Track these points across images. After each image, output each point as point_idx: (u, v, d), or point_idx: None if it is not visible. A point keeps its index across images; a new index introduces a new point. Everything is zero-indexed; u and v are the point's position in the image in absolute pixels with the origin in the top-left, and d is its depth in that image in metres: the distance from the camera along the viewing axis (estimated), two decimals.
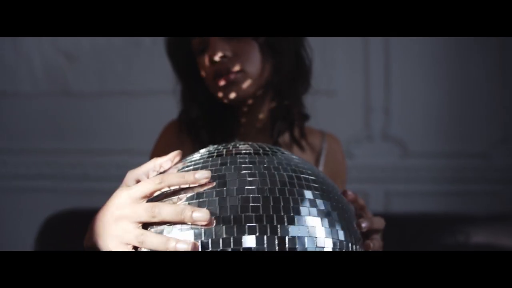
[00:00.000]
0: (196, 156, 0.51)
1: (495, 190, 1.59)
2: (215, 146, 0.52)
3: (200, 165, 0.48)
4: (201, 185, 0.45)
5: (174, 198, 0.46)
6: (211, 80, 0.72)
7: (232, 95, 0.71)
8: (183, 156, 0.52)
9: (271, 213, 0.43)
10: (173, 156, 0.50)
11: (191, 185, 0.45)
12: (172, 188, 0.46)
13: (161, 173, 0.50)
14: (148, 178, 0.50)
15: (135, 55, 1.60)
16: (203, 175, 0.44)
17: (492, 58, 1.59)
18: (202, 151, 0.52)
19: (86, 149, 1.61)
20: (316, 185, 0.47)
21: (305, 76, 0.78)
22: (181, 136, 0.78)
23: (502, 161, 1.59)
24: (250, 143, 0.52)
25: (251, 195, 0.44)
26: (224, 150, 0.50)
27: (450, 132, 1.59)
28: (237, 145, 0.51)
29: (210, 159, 0.49)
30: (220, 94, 0.72)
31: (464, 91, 1.59)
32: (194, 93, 0.78)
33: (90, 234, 0.49)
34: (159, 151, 0.77)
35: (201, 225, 0.43)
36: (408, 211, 1.31)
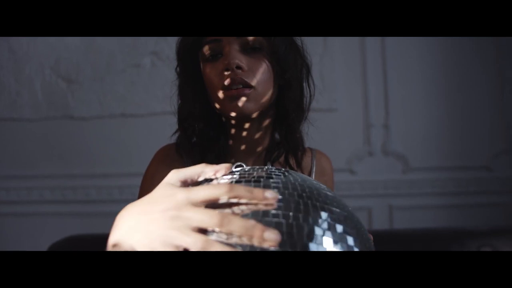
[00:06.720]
0: (226, 176, 0.50)
1: (498, 201, 1.59)
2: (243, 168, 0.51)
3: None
4: (266, 204, 0.44)
5: (236, 209, 0.44)
6: (219, 89, 0.71)
7: (239, 109, 0.70)
8: None
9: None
10: (225, 167, 0.49)
11: (258, 202, 0.44)
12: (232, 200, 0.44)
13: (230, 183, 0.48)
14: (191, 181, 0.49)
15: (135, 77, 1.62)
16: (272, 195, 0.43)
17: (492, 71, 1.60)
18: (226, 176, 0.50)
19: (88, 173, 1.61)
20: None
21: (307, 105, 0.78)
22: (172, 163, 0.76)
23: (504, 173, 1.59)
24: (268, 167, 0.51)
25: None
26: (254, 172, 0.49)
27: (452, 146, 1.59)
28: (265, 168, 0.50)
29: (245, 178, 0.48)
30: (225, 105, 0.70)
31: (465, 104, 1.60)
32: (192, 105, 0.76)
33: (120, 229, 0.46)
34: (148, 176, 0.77)
35: (269, 245, 0.41)
36: (412, 227, 1.30)
